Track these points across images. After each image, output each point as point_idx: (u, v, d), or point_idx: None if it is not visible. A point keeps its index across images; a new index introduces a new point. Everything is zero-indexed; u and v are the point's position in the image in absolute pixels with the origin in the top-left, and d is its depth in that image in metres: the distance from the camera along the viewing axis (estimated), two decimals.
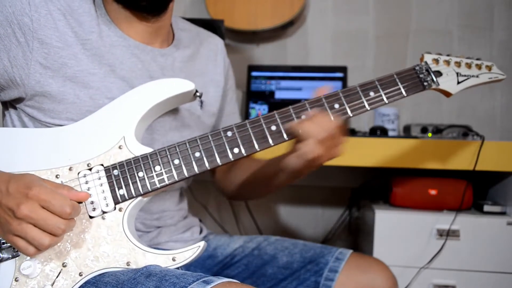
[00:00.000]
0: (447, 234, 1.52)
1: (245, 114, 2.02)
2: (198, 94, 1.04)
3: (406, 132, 1.88)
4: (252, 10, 2.08)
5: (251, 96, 2.03)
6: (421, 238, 1.55)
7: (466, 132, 1.70)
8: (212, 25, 1.83)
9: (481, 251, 1.52)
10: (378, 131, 1.73)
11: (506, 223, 1.51)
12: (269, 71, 2.05)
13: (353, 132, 1.79)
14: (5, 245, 0.86)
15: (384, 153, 1.51)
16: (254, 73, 2.05)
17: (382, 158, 1.51)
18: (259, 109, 2.01)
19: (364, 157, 1.52)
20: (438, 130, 1.77)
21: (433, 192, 1.63)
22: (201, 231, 1.27)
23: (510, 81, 2.00)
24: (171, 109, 1.10)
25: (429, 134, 1.75)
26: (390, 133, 1.81)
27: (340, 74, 1.99)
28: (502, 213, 1.59)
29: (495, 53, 2.08)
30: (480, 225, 1.53)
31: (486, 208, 1.60)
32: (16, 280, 0.85)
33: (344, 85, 1.97)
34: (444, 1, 2.12)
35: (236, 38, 2.24)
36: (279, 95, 2.01)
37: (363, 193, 2.01)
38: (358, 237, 2.04)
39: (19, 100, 0.99)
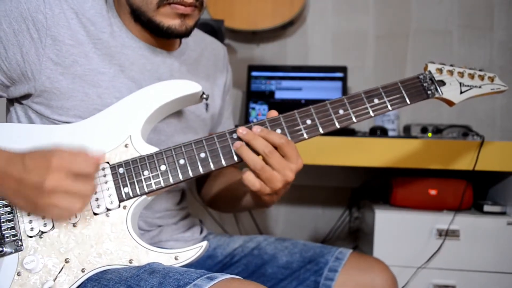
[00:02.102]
0: (446, 234, 1.52)
1: (245, 114, 2.01)
2: (204, 96, 1.05)
3: (406, 132, 1.88)
4: (252, 10, 2.09)
5: (251, 96, 2.03)
6: (421, 238, 1.55)
7: (466, 132, 1.70)
8: (212, 25, 1.83)
9: (481, 251, 1.53)
10: (378, 131, 1.74)
11: (506, 223, 1.52)
12: (269, 71, 2.05)
13: (353, 132, 1.80)
14: (8, 239, 0.87)
15: (384, 153, 1.51)
16: (254, 73, 2.05)
17: (382, 158, 1.52)
18: (259, 109, 2.01)
19: (364, 157, 1.53)
20: (438, 130, 1.77)
21: (433, 192, 1.63)
22: (201, 231, 1.28)
23: (510, 81, 2.01)
24: (177, 111, 1.11)
25: (429, 134, 1.75)
26: (390, 133, 1.82)
27: (340, 74, 1.99)
28: (502, 213, 1.59)
29: (495, 53, 2.09)
30: (480, 225, 1.53)
31: (486, 208, 1.60)
32: (18, 274, 0.85)
33: (344, 85, 1.98)
34: (444, 1, 2.12)
35: (236, 38, 2.24)
36: (279, 95, 2.01)
37: (363, 193, 2.01)
38: (358, 237, 2.05)
39: (27, 96, 1.00)
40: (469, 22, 2.11)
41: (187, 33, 1.06)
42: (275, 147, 0.92)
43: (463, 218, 1.55)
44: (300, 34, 2.23)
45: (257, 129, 0.93)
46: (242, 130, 0.94)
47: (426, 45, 2.13)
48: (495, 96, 2.08)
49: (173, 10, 1.00)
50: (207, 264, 1.23)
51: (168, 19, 1.01)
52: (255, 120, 1.96)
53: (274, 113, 0.98)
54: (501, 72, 2.07)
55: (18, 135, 0.94)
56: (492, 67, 2.07)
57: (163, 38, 1.08)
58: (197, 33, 1.27)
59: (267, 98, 2.02)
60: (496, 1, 2.09)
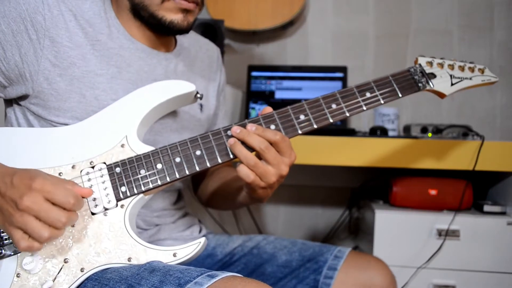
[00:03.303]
0: (446, 234, 1.52)
1: (245, 114, 2.02)
2: (198, 95, 1.06)
3: (406, 132, 1.88)
4: (252, 10, 2.09)
5: (251, 96, 2.03)
6: (421, 238, 1.55)
7: (466, 132, 1.70)
8: (212, 25, 1.83)
9: (481, 251, 1.53)
10: (378, 131, 1.73)
11: (506, 223, 1.52)
12: (269, 71, 2.05)
13: (353, 132, 1.80)
14: (7, 241, 0.87)
15: (384, 153, 1.51)
16: (254, 73, 2.05)
17: (382, 158, 1.52)
18: (259, 109, 2.01)
19: (364, 157, 1.52)
20: (438, 130, 1.77)
21: (433, 192, 1.63)
22: (200, 230, 1.28)
23: (510, 81, 2.01)
24: (172, 112, 1.12)
25: (429, 134, 1.75)
26: (390, 133, 1.82)
27: (340, 74, 2.00)
28: (502, 213, 1.59)
29: (495, 53, 2.09)
30: (480, 225, 1.53)
31: (486, 208, 1.60)
32: (17, 276, 0.85)
33: (344, 85, 1.98)
34: (444, 1, 2.12)
35: (236, 38, 2.24)
36: (279, 95, 2.02)
37: (363, 193, 2.01)
38: (358, 237, 2.05)
39: (25, 97, 1.01)
40: (469, 22, 2.11)
41: (187, 29, 1.07)
42: (270, 143, 0.93)
43: (463, 218, 1.55)
44: (300, 34, 2.23)
45: (251, 127, 0.94)
46: (236, 129, 0.94)
47: (426, 45, 2.13)
48: (495, 96, 2.08)
49: (176, 5, 1.02)
50: (207, 263, 1.23)
51: (170, 14, 1.03)
52: None
53: (268, 109, 0.99)
54: (501, 72, 2.07)
55: (17, 139, 0.94)
56: (492, 67, 2.07)
57: (163, 34, 1.10)
58: (191, 34, 1.28)
59: (267, 98, 2.02)
60: (496, 1, 2.09)
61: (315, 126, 0.98)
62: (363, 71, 2.17)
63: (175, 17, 1.03)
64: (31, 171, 0.82)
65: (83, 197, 0.86)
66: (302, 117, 0.98)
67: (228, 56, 2.14)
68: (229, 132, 0.96)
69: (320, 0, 2.20)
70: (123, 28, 1.07)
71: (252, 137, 0.93)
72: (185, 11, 1.04)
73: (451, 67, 1.11)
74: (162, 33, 1.10)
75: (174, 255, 0.88)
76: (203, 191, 1.33)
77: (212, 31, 1.82)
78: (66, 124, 0.98)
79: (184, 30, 1.07)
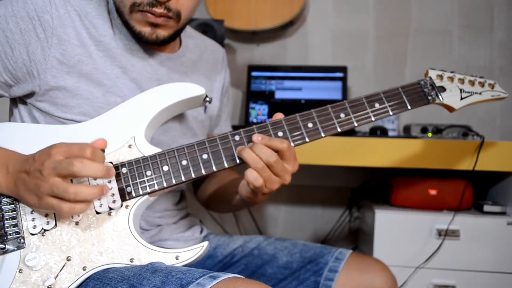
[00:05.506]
0: (446, 234, 1.52)
1: (245, 114, 2.02)
2: (207, 99, 1.05)
3: (406, 132, 1.89)
4: (252, 10, 2.09)
5: (251, 96, 2.03)
6: (421, 238, 1.56)
7: (466, 132, 1.70)
8: (212, 25, 1.83)
9: (481, 251, 1.53)
10: (378, 131, 1.74)
11: (506, 223, 1.52)
12: (269, 71, 2.05)
13: (353, 132, 1.80)
14: (11, 236, 0.87)
15: (384, 153, 1.52)
16: (254, 73, 2.05)
17: (382, 158, 1.52)
18: (259, 109, 2.01)
19: (364, 157, 1.53)
20: (438, 130, 1.77)
21: (433, 192, 1.64)
22: (201, 231, 1.28)
23: (510, 81, 2.01)
24: (179, 115, 1.12)
25: (429, 134, 1.76)
26: (390, 133, 1.82)
27: (340, 74, 2.00)
28: (502, 213, 1.60)
29: (495, 53, 2.09)
30: (480, 225, 1.54)
31: (486, 208, 1.60)
32: (20, 271, 0.85)
33: (344, 85, 1.98)
34: (444, 1, 2.12)
35: (236, 38, 2.24)
36: (279, 95, 2.01)
37: (363, 193, 2.01)
38: (358, 237, 2.05)
39: (31, 95, 1.01)
40: (469, 22, 2.11)
41: (159, 42, 1.04)
42: (277, 151, 0.93)
43: (463, 218, 1.55)
44: (300, 34, 2.23)
45: (257, 137, 0.93)
46: (239, 149, 0.95)
47: (426, 45, 2.14)
48: None
49: (143, 17, 0.98)
50: (207, 264, 1.23)
51: (139, 25, 1.00)
52: (255, 120, 1.97)
53: (279, 116, 0.99)
54: (501, 72, 2.07)
55: (24, 135, 0.95)
56: (492, 67, 2.08)
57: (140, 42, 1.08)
58: (197, 36, 1.28)
59: (267, 98, 2.02)
60: (496, 1, 2.09)
61: (323, 135, 0.99)
62: (363, 71, 2.17)
63: (143, 29, 1.00)
64: (50, 145, 0.84)
65: (99, 148, 0.87)
66: (310, 125, 0.98)
67: (228, 56, 2.13)
68: (236, 137, 0.96)
69: (320, 0, 2.20)
70: (125, 29, 1.07)
71: (259, 149, 0.92)
72: (153, 24, 1.00)
73: (461, 81, 1.11)
74: (138, 41, 1.07)
75: (177, 257, 0.88)
76: (202, 193, 1.34)
77: (212, 31, 1.82)
78: (74, 120, 0.99)
79: (155, 43, 1.04)
